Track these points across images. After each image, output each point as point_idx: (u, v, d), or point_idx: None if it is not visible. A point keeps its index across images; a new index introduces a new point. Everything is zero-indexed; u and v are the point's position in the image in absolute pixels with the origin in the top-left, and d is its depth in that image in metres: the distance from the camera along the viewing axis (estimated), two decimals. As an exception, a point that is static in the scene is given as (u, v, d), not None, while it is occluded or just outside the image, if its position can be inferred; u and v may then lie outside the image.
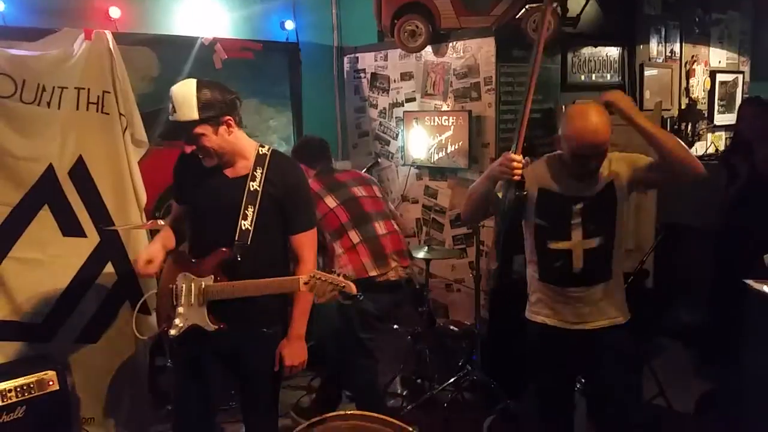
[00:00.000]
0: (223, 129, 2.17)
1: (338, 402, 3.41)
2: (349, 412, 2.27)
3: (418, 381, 3.70)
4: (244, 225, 2.18)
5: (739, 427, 2.75)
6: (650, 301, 3.61)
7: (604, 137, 2.13)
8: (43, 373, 2.85)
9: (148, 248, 2.40)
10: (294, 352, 2.24)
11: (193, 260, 2.27)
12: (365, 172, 4.12)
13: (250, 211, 2.19)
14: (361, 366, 3.06)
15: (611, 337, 2.31)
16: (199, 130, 2.13)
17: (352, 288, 2.07)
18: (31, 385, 2.80)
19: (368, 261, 2.96)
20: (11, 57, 2.94)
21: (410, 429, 2.18)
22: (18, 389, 2.77)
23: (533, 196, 2.29)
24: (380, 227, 3.04)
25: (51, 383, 2.85)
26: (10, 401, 2.75)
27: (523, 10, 3.63)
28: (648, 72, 4.95)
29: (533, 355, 2.47)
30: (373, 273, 2.94)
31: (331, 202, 3.02)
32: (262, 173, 2.22)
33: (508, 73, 3.76)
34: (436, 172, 4.09)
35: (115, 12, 3.37)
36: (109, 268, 3.22)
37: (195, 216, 2.33)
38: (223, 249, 2.19)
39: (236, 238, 2.17)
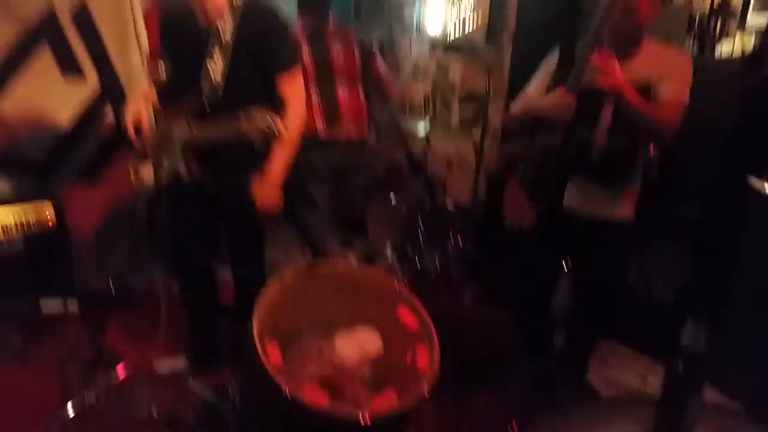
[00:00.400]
0: None
1: None
2: (339, 261, 2.34)
3: (409, 251, 3.78)
4: (214, 77, 2.17)
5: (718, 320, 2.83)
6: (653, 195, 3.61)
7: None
8: (41, 203, 2.87)
9: (131, 110, 2.31)
10: (264, 193, 2.27)
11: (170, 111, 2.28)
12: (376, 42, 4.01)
13: (218, 61, 2.18)
14: (304, 217, 3.23)
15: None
16: None
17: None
18: (29, 216, 2.84)
19: (319, 121, 3.08)
20: None
21: (395, 281, 2.25)
22: (17, 225, 2.82)
23: None
24: (343, 92, 3.09)
25: (48, 214, 2.88)
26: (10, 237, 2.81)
27: None
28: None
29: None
30: (322, 133, 3.09)
31: (306, 53, 3.05)
32: (233, 22, 2.17)
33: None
34: (450, 47, 3.94)
35: None
36: (109, 111, 3.20)
37: (171, 69, 2.26)
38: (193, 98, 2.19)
39: (206, 89, 2.17)
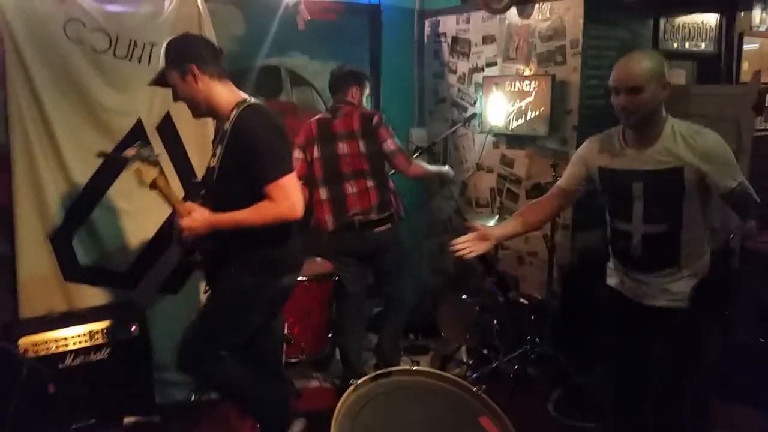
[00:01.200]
0: (190, 78, 2.29)
1: None
2: (414, 368, 2.28)
3: (485, 352, 3.67)
4: (208, 175, 2.40)
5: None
6: (734, 281, 3.40)
7: (637, 72, 2.09)
8: (127, 318, 3.03)
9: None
10: (194, 218, 2.25)
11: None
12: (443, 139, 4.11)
13: (214, 162, 2.36)
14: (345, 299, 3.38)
15: (670, 319, 2.20)
16: (168, 75, 2.34)
17: None
18: (116, 329, 2.99)
19: (329, 217, 3.24)
20: (106, 12, 3.08)
21: (474, 389, 2.16)
22: (104, 331, 2.96)
23: (594, 174, 2.31)
24: (351, 187, 3.20)
25: (134, 329, 3.03)
26: (96, 342, 2.95)
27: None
28: (748, 44, 4.60)
29: (605, 319, 2.39)
30: (330, 228, 3.24)
31: (316, 153, 3.24)
32: (229, 127, 2.29)
33: (596, 36, 3.57)
34: (513, 140, 3.98)
35: (204, -30, 3.42)
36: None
37: None
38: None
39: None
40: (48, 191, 3.04)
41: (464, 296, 3.79)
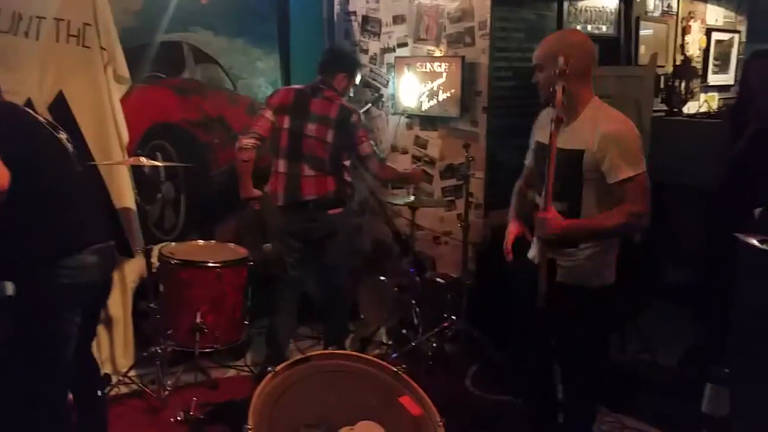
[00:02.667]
0: None
1: None
2: (334, 351, 2.24)
3: (404, 332, 3.70)
4: None
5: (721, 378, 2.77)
6: (638, 259, 3.61)
7: (539, 50, 2.20)
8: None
9: None
10: None
11: None
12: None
13: None
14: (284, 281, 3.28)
15: (574, 295, 2.23)
16: None
17: None
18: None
19: (282, 192, 3.15)
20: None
21: (395, 368, 2.15)
22: None
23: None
24: (309, 169, 3.11)
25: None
26: None
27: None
28: (644, 29, 4.85)
29: (521, 290, 2.41)
30: (280, 203, 3.17)
31: (285, 123, 3.13)
32: None
33: (503, 17, 3.65)
34: (426, 121, 4.00)
35: (94, -61, 3.17)
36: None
37: None
38: None
39: None
40: None
41: (382, 277, 3.79)
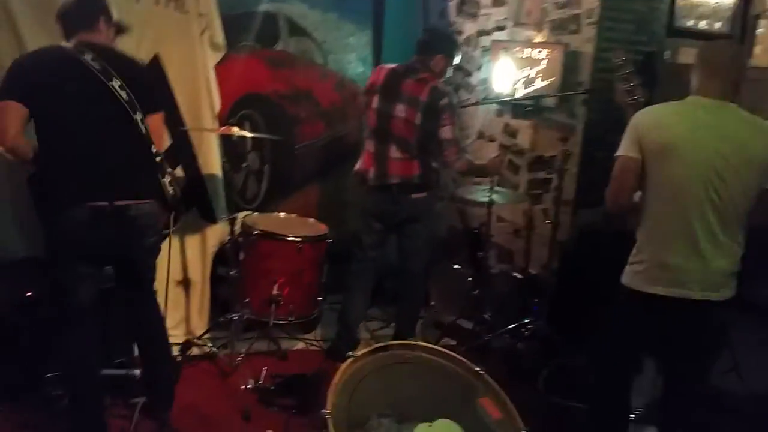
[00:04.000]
0: None
1: None
2: (415, 343, 2.18)
3: (475, 326, 3.60)
4: None
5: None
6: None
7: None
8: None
9: None
10: None
11: None
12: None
13: None
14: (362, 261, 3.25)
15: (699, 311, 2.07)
16: None
17: None
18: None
19: (368, 173, 3.10)
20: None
21: (477, 368, 2.07)
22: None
23: None
24: (395, 151, 3.04)
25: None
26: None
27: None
28: (761, 27, 4.47)
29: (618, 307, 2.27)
30: (369, 183, 3.11)
31: (375, 102, 3.07)
32: None
33: (613, 7, 3.42)
34: (519, 109, 3.84)
35: None
36: (178, 171, 3.17)
37: None
38: None
39: None
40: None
41: (456, 266, 3.69)
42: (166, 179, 2.36)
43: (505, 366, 3.28)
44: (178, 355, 3.06)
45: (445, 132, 2.99)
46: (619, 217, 3.03)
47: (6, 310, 2.57)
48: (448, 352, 2.14)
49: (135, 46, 2.99)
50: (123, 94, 2.19)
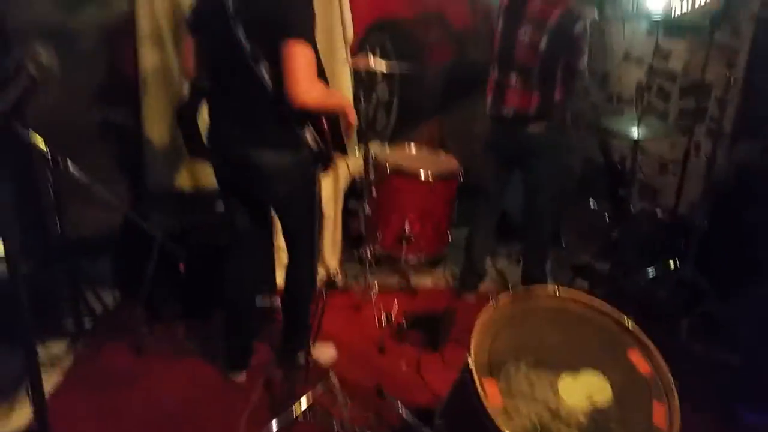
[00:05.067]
0: None
1: None
2: (557, 289, 2.09)
3: (612, 268, 3.42)
4: None
5: None
6: None
7: None
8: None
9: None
10: None
11: None
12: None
13: None
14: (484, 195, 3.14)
15: None
16: None
17: None
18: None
19: (489, 100, 2.95)
20: None
21: (626, 319, 1.97)
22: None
23: None
24: (515, 79, 2.83)
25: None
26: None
27: None
28: None
29: None
30: (487, 111, 2.97)
31: (500, 24, 2.88)
32: None
33: None
34: (673, 28, 3.42)
35: None
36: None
37: None
38: None
39: None
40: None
41: (592, 203, 3.50)
42: (304, 131, 2.18)
43: (644, 313, 3.11)
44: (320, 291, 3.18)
45: (581, 62, 2.73)
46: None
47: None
48: (596, 300, 2.05)
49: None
50: (243, 39, 2.00)
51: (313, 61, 1.99)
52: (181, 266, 2.74)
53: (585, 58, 2.73)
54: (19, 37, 2.64)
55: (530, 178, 3.03)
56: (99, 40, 2.91)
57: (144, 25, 2.87)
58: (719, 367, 2.76)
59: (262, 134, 2.15)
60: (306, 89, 1.96)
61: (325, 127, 2.21)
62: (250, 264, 2.49)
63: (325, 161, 2.28)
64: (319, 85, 2.03)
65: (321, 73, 2.11)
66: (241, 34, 1.99)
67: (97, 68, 2.97)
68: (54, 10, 2.79)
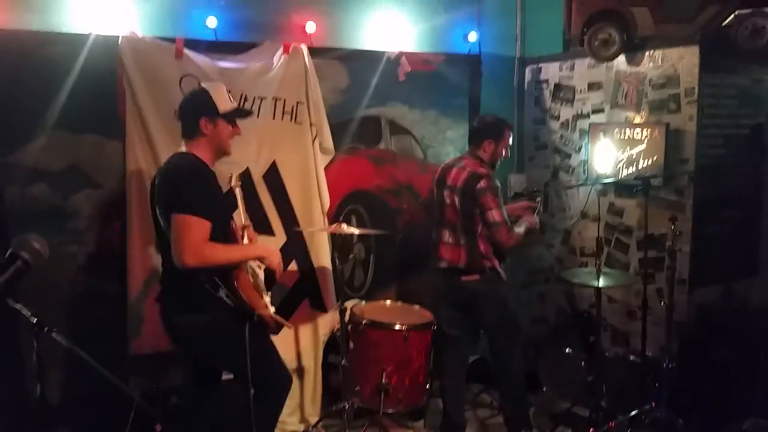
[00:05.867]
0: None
1: None
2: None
3: (591, 413, 3.44)
4: None
5: None
6: None
7: None
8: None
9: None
10: None
11: None
12: (540, 189, 3.94)
13: None
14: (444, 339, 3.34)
15: None
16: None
17: None
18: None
19: (432, 256, 3.37)
20: (221, 69, 3.24)
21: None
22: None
23: None
24: (447, 236, 3.28)
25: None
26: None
27: (732, 16, 3.27)
28: None
29: None
30: (431, 266, 3.38)
31: (435, 194, 3.38)
32: None
33: (713, 84, 3.39)
34: (623, 189, 3.80)
35: (310, 27, 3.54)
36: (293, 266, 3.41)
37: None
38: None
39: None
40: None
41: (568, 350, 3.59)
42: (218, 291, 2.41)
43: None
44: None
45: (492, 216, 3.13)
46: (738, 295, 2.88)
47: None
48: None
49: (255, 156, 3.36)
50: (159, 215, 2.40)
51: (200, 228, 2.26)
52: (157, 428, 2.76)
53: (495, 213, 3.11)
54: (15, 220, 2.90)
55: (480, 324, 3.34)
56: (90, 217, 3.13)
57: (134, 205, 3.09)
58: None
59: (178, 298, 2.42)
60: (186, 252, 2.23)
61: (236, 284, 2.41)
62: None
63: (248, 316, 2.43)
64: (206, 247, 2.28)
65: (224, 234, 2.43)
66: (158, 212, 2.38)
67: (87, 241, 3.14)
68: (50, 193, 3.04)
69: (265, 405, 2.53)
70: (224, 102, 2.48)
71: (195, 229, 2.25)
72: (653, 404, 3.19)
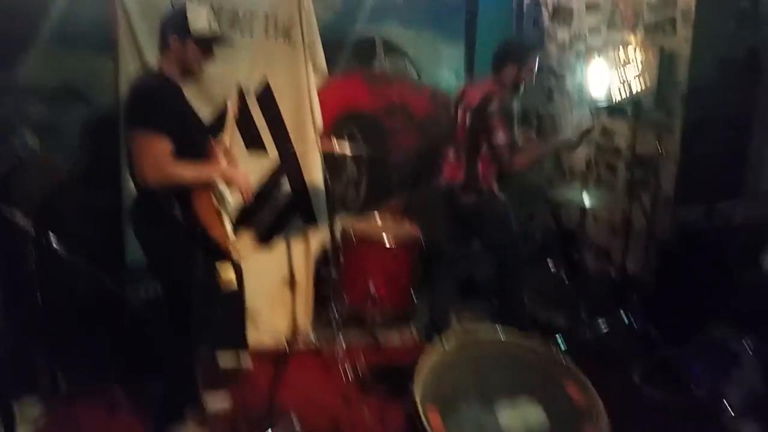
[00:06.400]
0: None
1: None
2: (502, 335, 2.26)
3: (570, 323, 3.59)
4: None
5: None
6: None
7: None
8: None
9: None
10: None
11: None
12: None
13: None
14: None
15: None
16: None
17: None
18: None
19: (436, 172, 3.40)
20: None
21: (562, 358, 2.13)
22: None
23: None
24: (451, 154, 3.31)
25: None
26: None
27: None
28: None
29: None
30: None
31: (453, 114, 3.34)
32: None
33: (711, 6, 3.34)
34: (615, 110, 3.81)
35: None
36: (285, 183, 3.48)
37: None
38: None
39: None
40: None
41: (551, 265, 3.71)
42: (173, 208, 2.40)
43: (600, 359, 3.24)
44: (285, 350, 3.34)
45: (497, 138, 3.08)
46: (721, 215, 2.95)
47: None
48: (535, 343, 2.23)
49: (248, 75, 3.36)
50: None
51: (159, 144, 2.24)
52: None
53: (501, 135, 3.05)
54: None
55: (481, 240, 3.37)
56: (85, 132, 3.19)
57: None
58: (671, 409, 2.87)
59: (138, 213, 2.46)
60: (146, 169, 2.24)
61: (196, 204, 2.40)
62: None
63: (200, 240, 2.43)
64: (167, 163, 2.26)
65: (194, 154, 2.39)
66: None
67: (82, 154, 3.21)
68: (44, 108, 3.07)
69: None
70: (200, 23, 2.43)
71: (154, 145, 2.23)
72: (629, 315, 3.33)
